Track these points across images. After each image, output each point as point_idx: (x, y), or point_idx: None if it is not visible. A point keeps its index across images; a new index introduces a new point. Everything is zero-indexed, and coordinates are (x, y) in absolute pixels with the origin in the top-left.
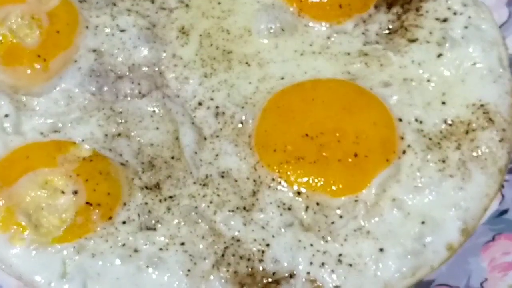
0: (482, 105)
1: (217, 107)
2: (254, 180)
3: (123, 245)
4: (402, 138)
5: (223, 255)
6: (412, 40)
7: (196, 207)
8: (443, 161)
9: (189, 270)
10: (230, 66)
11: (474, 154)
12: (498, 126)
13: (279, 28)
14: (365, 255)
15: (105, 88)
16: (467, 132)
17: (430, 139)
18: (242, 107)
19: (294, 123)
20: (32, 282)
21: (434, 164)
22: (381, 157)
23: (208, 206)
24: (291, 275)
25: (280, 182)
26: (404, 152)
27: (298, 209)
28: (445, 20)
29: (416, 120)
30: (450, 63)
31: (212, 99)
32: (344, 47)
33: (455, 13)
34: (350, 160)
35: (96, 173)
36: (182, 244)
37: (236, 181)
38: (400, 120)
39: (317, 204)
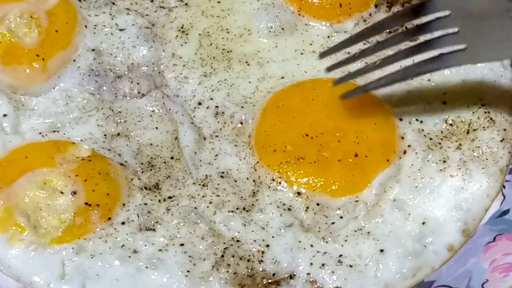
0: (483, 105)
1: (216, 106)
2: (254, 181)
3: (122, 246)
4: (402, 138)
5: (222, 256)
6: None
7: (195, 208)
8: (444, 161)
9: (188, 271)
10: (230, 66)
11: (475, 154)
12: (499, 125)
13: (279, 27)
14: (366, 256)
15: (104, 88)
16: (468, 132)
17: (430, 139)
18: (242, 107)
19: (294, 123)
20: (31, 283)
21: (434, 164)
22: (382, 157)
23: (208, 207)
24: (291, 276)
25: (280, 182)
26: (404, 152)
27: (298, 209)
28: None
29: (416, 119)
30: None
31: (211, 99)
32: None
33: None
34: (350, 160)
35: (95, 174)
36: (182, 245)
37: (235, 181)
38: (401, 119)
39: (317, 204)
